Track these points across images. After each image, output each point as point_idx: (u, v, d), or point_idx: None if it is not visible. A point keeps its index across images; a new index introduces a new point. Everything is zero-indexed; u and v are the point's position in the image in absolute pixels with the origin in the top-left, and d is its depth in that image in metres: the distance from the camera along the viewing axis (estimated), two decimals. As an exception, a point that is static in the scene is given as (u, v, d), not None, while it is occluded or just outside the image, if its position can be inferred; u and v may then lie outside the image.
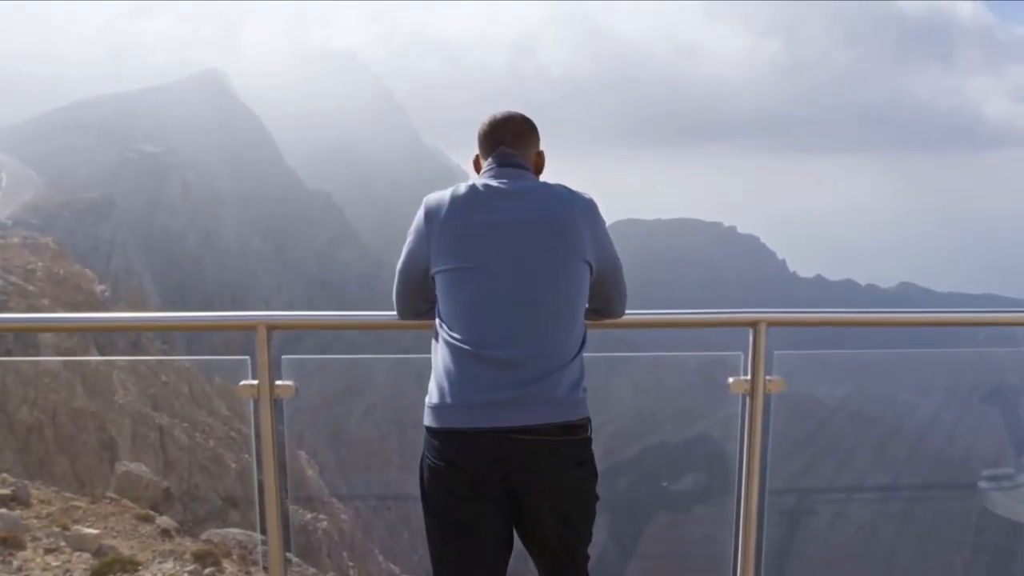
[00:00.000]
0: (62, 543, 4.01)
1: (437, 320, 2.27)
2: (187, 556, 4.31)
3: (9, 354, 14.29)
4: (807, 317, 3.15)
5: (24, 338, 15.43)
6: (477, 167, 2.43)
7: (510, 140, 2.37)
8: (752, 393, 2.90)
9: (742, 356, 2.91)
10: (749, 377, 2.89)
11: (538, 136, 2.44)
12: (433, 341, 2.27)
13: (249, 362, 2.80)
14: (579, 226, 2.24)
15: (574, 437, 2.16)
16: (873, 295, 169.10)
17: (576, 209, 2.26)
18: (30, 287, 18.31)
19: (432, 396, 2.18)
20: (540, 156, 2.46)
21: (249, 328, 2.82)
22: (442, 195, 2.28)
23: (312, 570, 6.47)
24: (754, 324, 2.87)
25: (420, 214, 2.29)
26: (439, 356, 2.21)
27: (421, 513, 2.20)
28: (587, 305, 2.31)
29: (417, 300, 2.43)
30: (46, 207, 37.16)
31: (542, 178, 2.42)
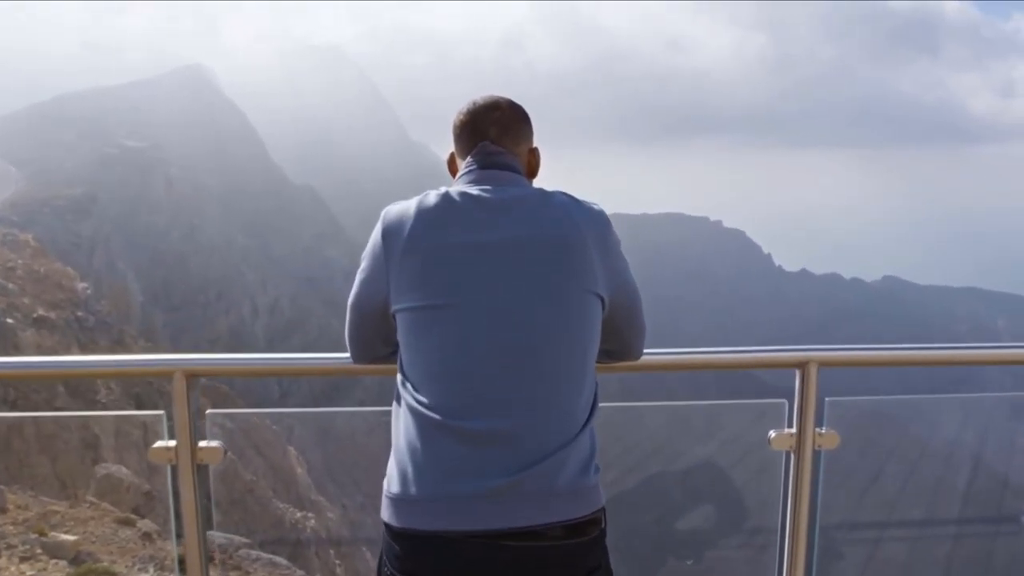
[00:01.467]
0: (38, 550, 3.90)
1: (399, 375, 1.72)
2: (167, 562, 4.22)
3: (-12, 354, 14.11)
4: (870, 356, 2.65)
5: (4, 336, 15.21)
6: (453, 168, 1.91)
7: (495, 134, 1.82)
8: (799, 450, 2.40)
9: (785, 404, 2.41)
10: (795, 430, 2.39)
11: (531, 128, 1.90)
12: (394, 404, 1.72)
13: (164, 418, 2.28)
14: (588, 248, 1.69)
15: (585, 537, 1.61)
16: (857, 288, 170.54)
17: (584, 225, 1.71)
18: (10, 285, 18.05)
19: (392, 483, 1.63)
20: (534, 154, 1.91)
21: (164, 375, 2.28)
22: (405, 207, 1.73)
23: (300, 572, 6.37)
24: (802, 365, 2.36)
25: (377, 233, 1.74)
26: (400, 426, 1.66)
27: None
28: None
29: (376, 343, 1.87)
30: (26, 204, 36.71)
31: (537, 182, 1.90)
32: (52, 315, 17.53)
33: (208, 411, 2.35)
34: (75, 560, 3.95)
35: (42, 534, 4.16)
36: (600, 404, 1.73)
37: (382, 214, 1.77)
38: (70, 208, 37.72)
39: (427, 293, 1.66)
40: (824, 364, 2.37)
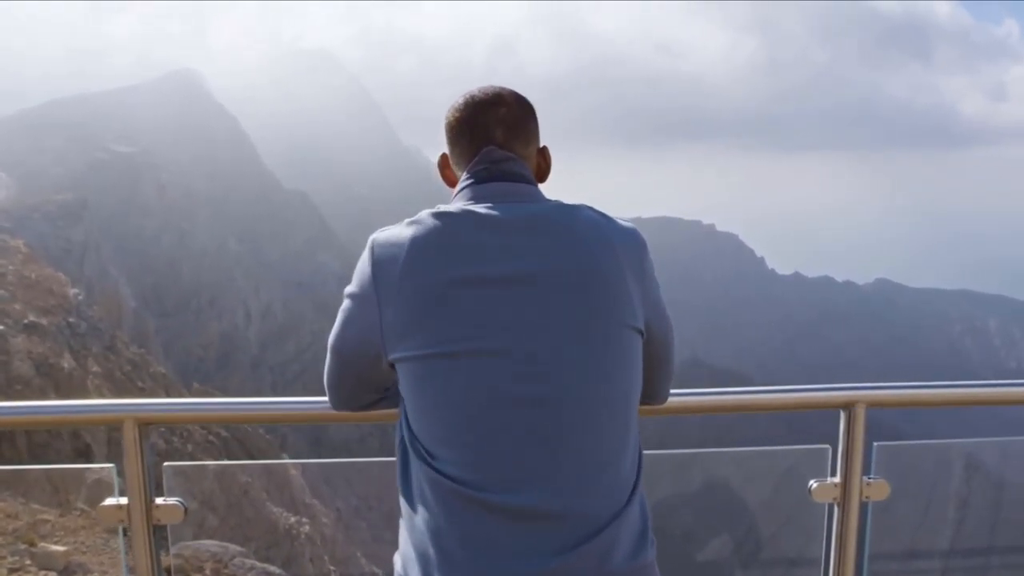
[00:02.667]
0: (27, 561, 3.84)
1: (404, 432, 1.44)
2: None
3: (-22, 361, 13.97)
4: (926, 395, 2.28)
5: (-7, 344, 15.08)
6: (448, 174, 1.61)
7: (501, 136, 1.53)
8: (844, 502, 2.14)
9: (829, 450, 2.17)
10: (840, 479, 2.14)
11: (537, 123, 1.60)
12: (398, 463, 1.45)
13: (114, 472, 2.03)
14: (625, 275, 1.43)
15: None
16: (850, 291, 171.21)
17: (619, 249, 1.45)
18: (1, 291, 17.92)
19: (409, 567, 1.37)
20: (544, 154, 1.62)
21: (112, 423, 2.04)
22: (398, 235, 1.44)
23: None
24: (848, 406, 2.11)
25: (365, 265, 1.45)
26: (415, 496, 1.39)
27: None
28: None
29: (360, 391, 1.60)
30: (16, 209, 36.49)
31: (545, 190, 1.59)
32: (43, 321, 17.41)
33: (165, 464, 2.10)
34: (65, 571, 3.89)
35: (32, 544, 4.11)
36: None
37: (370, 242, 1.47)
38: (60, 213, 37.53)
39: (434, 339, 1.37)
40: (873, 404, 2.13)
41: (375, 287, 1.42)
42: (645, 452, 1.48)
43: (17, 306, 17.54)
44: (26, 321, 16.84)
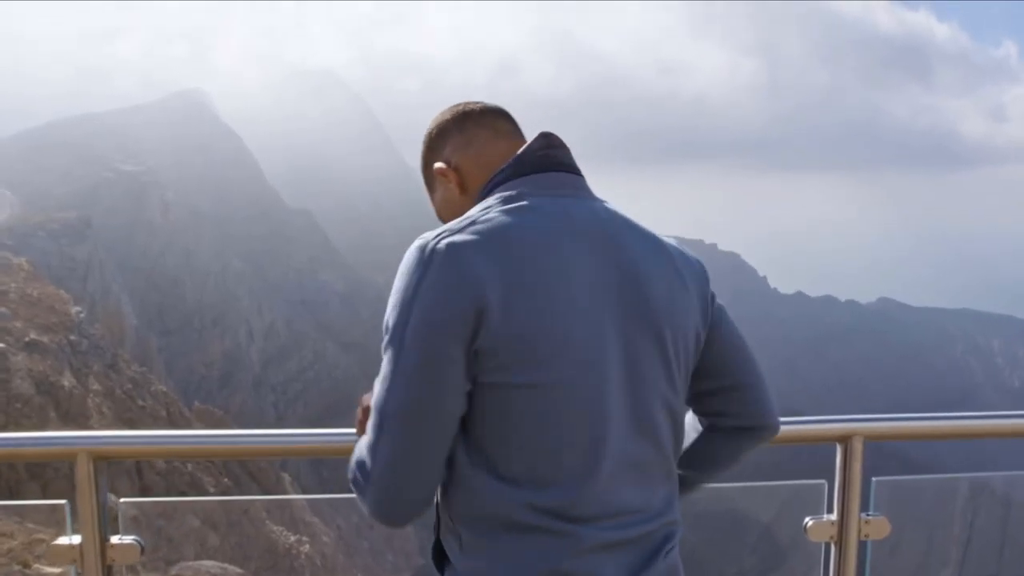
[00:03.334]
0: (23, 582, 3.79)
1: (468, 465, 1.19)
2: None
3: (-21, 379, 13.95)
4: (926, 427, 2.20)
5: (-5, 362, 15.06)
6: (450, 183, 1.35)
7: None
8: (841, 541, 2.03)
9: (825, 486, 2.08)
10: (837, 517, 2.03)
11: None
12: (460, 520, 1.20)
13: (67, 509, 1.91)
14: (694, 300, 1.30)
15: None
16: (852, 310, 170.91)
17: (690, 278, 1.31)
18: (2, 309, 17.94)
19: None
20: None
21: (65, 458, 1.92)
22: (487, 235, 1.16)
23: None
24: (845, 439, 2.01)
25: (439, 286, 1.13)
26: (484, 529, 1.18)
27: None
28: None
29: (435, 477, 1.20)
30: (20, 227, 36.62)
31: None
32: (45, 339, 17.41)
33: (121, 500, 2.00)
34: (62, 591, 3.84)
35: (26, 565, 4.05)
36: None
37: (436, 248, 1.14)
38: (65, 232, 37.65)
39: (544, 366, 1.14)
40: (871, 437, 2.03)
41: (480, 315, 1.13)
42: None
43: (19, 324, 17.55)
44: (27, 339, 16.83)
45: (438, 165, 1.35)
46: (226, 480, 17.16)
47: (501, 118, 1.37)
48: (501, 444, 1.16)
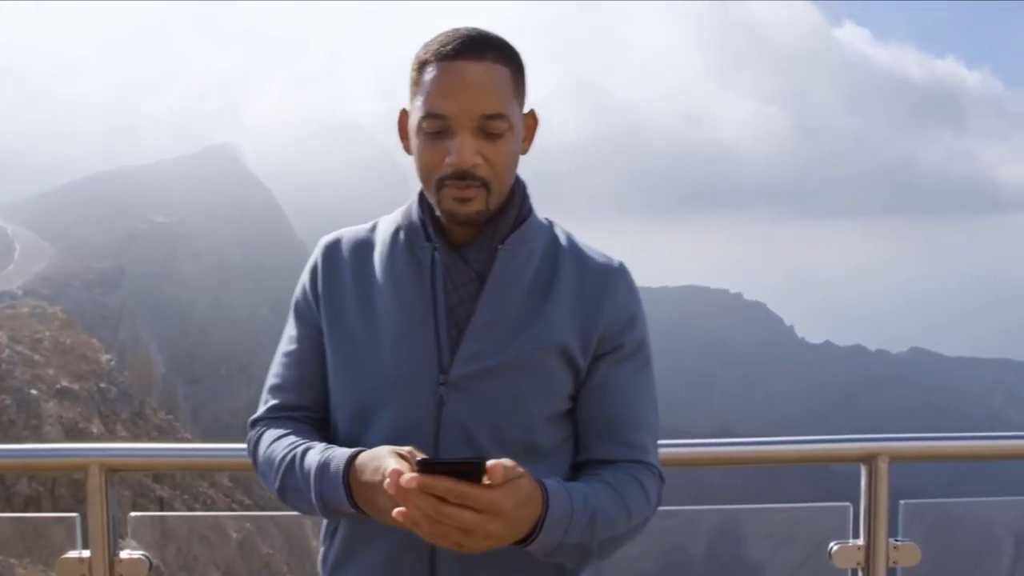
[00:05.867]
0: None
1: None
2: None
3: (12, 425, 14.33)
4: (954, 448, 2.08)
5: (28, 407, 15.47)
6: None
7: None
8: (869, 567, 1.91)
9: (850, 509, 1.95)
10: (863, 542, 1.91)
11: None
12: None
13: (78, 522, 1.90)
14: None
15: None
16: (883, 360, 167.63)
17: None
18: (36, 356, 18.43)
19: None
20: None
21: (77, 469, 1.90)
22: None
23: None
24: (869, 459, 1.90)
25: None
26: None
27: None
28: None
29: None
30: (57, 277, 37.64)
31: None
32: (76, 386, 17.81)
33: (131, 514, 1.99)
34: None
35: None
36: None
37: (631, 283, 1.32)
38: (99, 281, 38.61)
39: None
40: (897, 458, 1.91)
41: None
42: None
43: (51, 371, 18.00)
44: (59, 386, 17.25)
45: (533, 110, 1.24)
46: (248, 525, 17.21)
47: None
48: None
